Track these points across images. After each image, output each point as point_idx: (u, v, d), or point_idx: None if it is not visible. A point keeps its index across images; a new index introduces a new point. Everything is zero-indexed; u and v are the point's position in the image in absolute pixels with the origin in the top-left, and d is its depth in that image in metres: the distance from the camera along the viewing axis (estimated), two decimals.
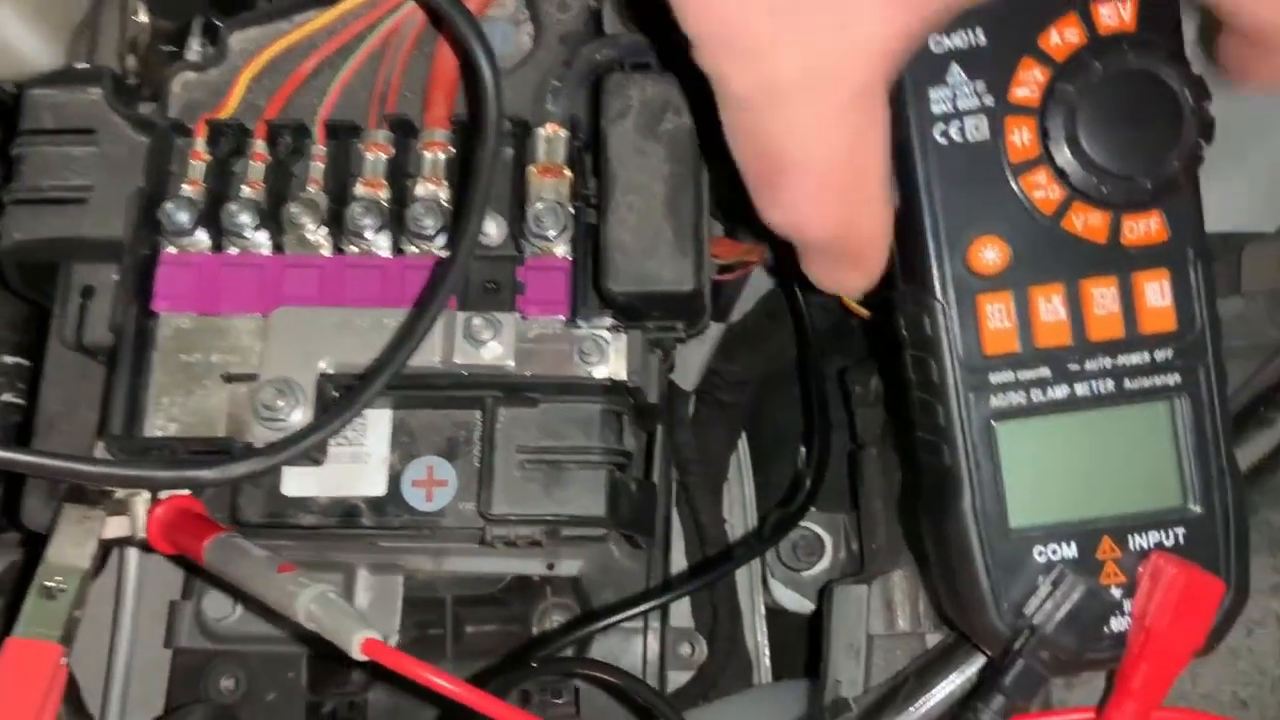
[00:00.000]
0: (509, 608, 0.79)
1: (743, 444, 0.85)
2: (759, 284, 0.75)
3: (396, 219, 0.51)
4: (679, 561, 0.81)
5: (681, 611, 0.82)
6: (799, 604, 0.76)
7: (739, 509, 0.85)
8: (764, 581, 0.79)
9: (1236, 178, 0.63)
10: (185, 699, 0.76)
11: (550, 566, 0.75)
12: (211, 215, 0.51)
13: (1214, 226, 0.59)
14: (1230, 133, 0.61)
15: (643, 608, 0.59)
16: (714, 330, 0.75)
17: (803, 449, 0.73)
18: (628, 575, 0.76)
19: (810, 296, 0.69)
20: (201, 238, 0.51)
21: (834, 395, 0.70)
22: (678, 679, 0.81)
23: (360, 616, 0.39)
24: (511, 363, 0.51)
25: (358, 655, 0.38)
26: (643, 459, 0.70)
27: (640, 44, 0.54)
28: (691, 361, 0.77)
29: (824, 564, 0.75)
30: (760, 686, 0.74)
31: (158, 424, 0.50)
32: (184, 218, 0.50)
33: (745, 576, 0.82)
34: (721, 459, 0.84)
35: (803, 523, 0.74)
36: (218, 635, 0.77)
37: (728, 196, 0.51)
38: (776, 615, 0.79)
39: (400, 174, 0.52)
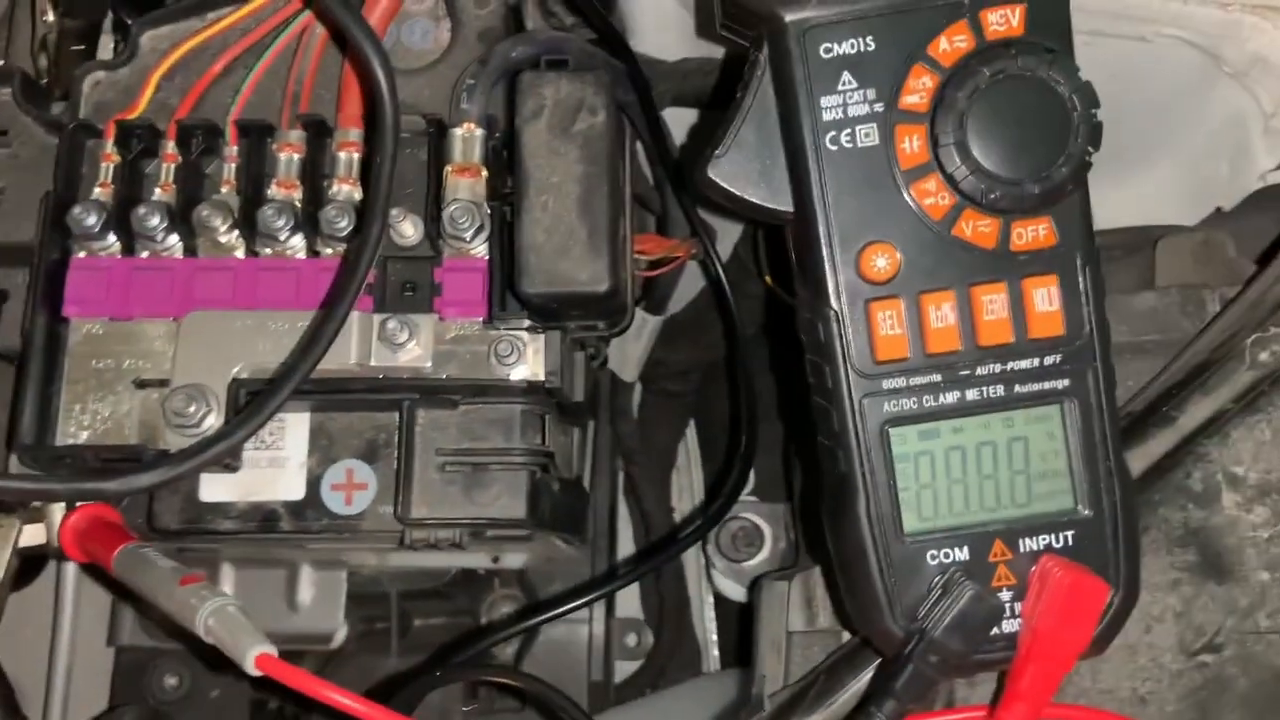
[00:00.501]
0: (456, 600, 0.79)
1: (691, 432, 0.86)
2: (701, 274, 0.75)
3: (311, 220, 0.51)
4: (629, 551, 0.82)
5: (631, 603, 0.83)
6: (741, 594, 0.76)
7: (688, 497, 0.85)
8: (707, 572, 0.79)
9: (1158, 171, 0.64)
10: (128, 697, 0.76)
11: (495, 560, 0.75)
12: (122, 218, 0.50)
13: (1134, 220, 0.60)
14: (1153, 125, 0.61)
15: (566, 608, 0.59)
16: (652, 322, 0.75)
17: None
18: (574, 566, 0.77)
19: (741, 290, 0.70)
20: (112, 241, 0.51)
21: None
22: (628, 668, 0.81)
23: (257, 631, 0.38)
24: (429, 365, 0.50)
25: (251, 670, 0.38)
26: (585, 451, 0.70)
27: (557, 40, 0.53)
28: (630, 353, 0.77)
29: (763, 555, 0.75)
30: (691, 681, 0.75)
31: (69, 432, 0.49)
32: (92, 221, 0.49)
33: (694, 566, 0.83)
34: (669, 448, 0.84)
35: (742, 514, 0.74)
36: (161, 633, 0.77)
37: None
38: (729, 604, 0.79)
39: (315, 174, 0.52)
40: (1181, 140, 0.61)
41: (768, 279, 0.66)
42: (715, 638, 0.83)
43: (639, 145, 0.62)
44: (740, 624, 0.72)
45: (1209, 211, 0.63)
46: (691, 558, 0.82)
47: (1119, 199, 0.65)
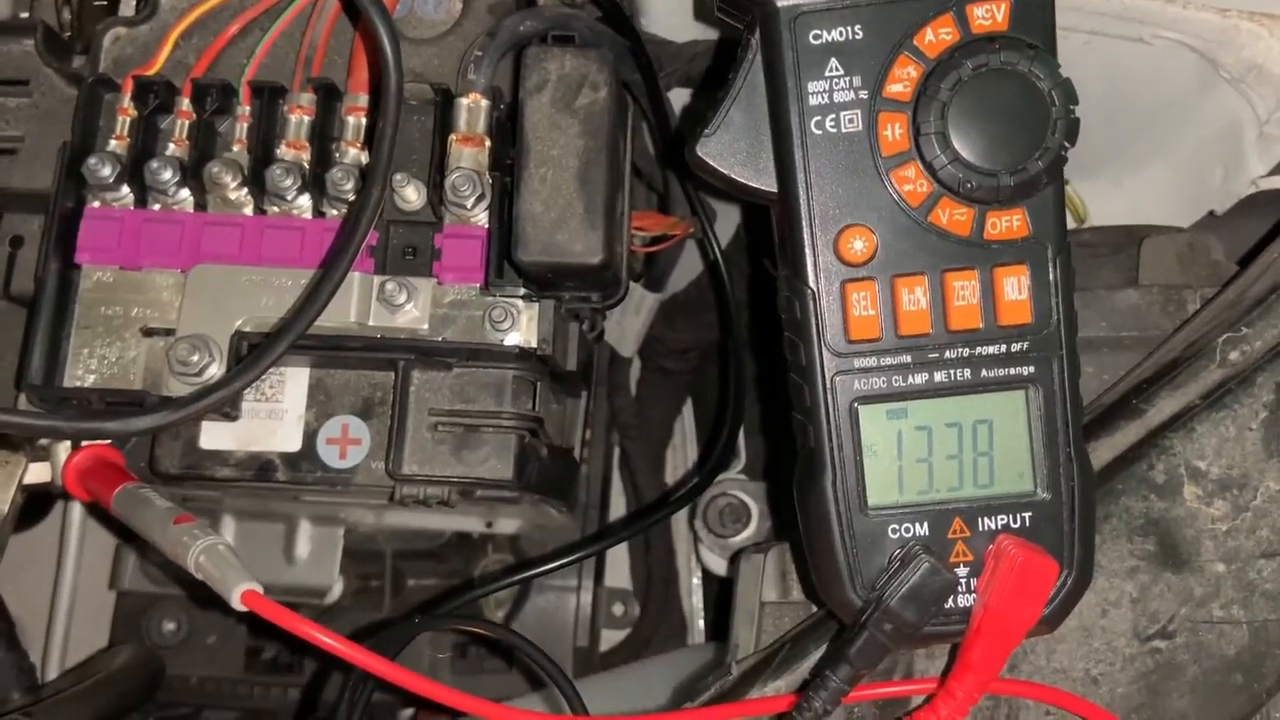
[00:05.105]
0: (449, 562, 0.81)
1: (688, 410, 0.87)
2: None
3: (318, 181, 0.52)
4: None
5: (620, 574, 0.84)
6: (726, 569, 0.78)
7: (682, 473, 0.87)
8: (695, 547, 0.81)
9: (1154, 172, 0.65)
10: (128, 639, 0.78)
11: (489, 524, 0.77)
12: (135, 171, 0.52)
13: (1129, 219, 0.61)
14: (1150, 127, 0.62)
15: (548, 567, 0.60)
16: (651, 299, 0.77)
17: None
18: (566, 533, 0.79)
19: (739, 270, 0.71)
20: (125, 193, 0.52)
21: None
22: (614, 637, 0.83)
23: (244, 570, 0.40)
24: (425, 327, 0.52)
25: (237, 606, 0.39)
26: (579, 421, 0.72)
27: (565, 16, 0.55)
28: (629, 328, 0.79)
29: (749, 531, 0.77)
30: (674, 652, 0.76)
31: (76, 375, 0.51)
32: (107, 172, 0.51)
33: (683, 541, 0.84)
34: (665, 424, 0.86)
35: (730, 490, 0.76)
36: (161, 579, 0.79)
37: None
38: (717, 579, 0.81)
39: (324, 137, 0.53)
40: (1177, 143, 0.62)
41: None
42: (701, 611, 0.85)
43: (644, 123, 0.63)
44: (724, 600, 0.74)
45: (1202, 214, 0.64)
46: (681, 533, 0.83)
47: (1115, 198, 0.66)
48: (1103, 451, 0.45)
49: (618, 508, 0.84)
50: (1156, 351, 0.47)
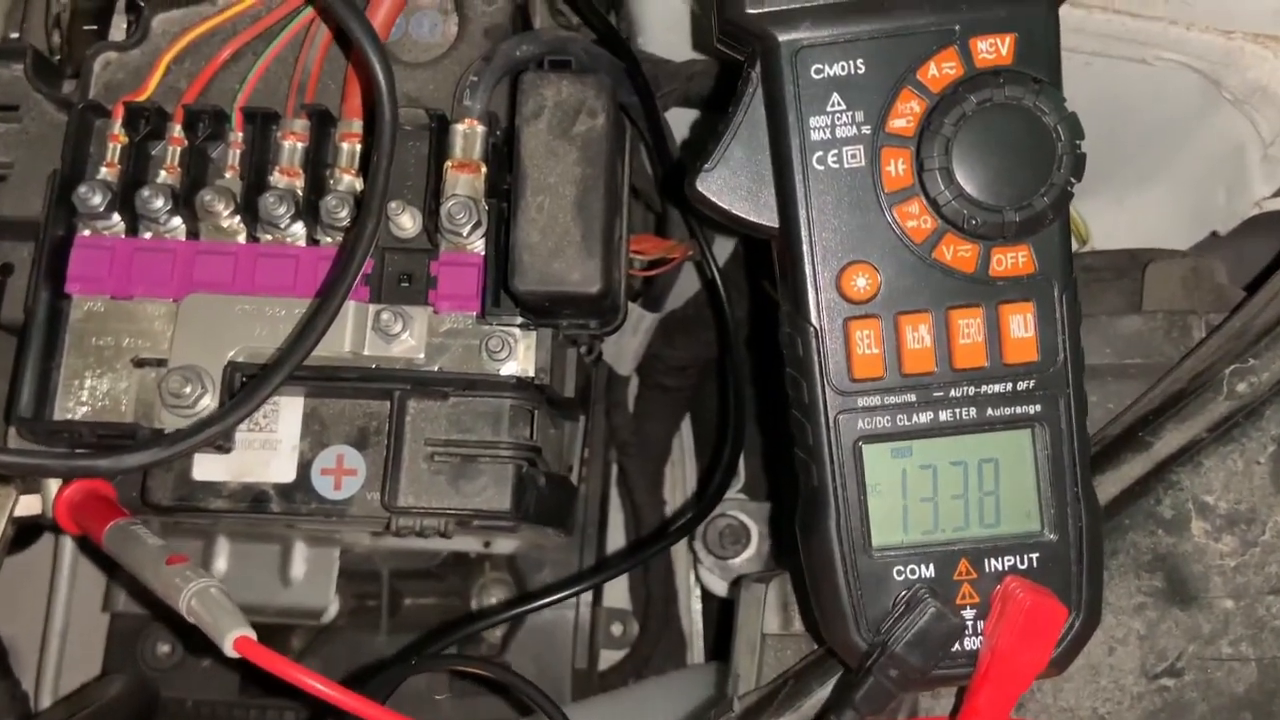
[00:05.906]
0: (447, 582, 0.80)
1: (686, 427, 0.87)
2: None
3: (311, 209, 0.51)
4: (619, 541, 0.83)
5: (618, 593, 0.84)
6: (726, 590, 0.77)
7: (681, 491, 0.86)
8: (694, 567, 0.80)
9: (1156, 193, 0.64)
10: (122, 664, 0.77)
11: (486, 544, 0.77)
12: (126, 199, 0.51)
13: (1130, 240, 0.60)
14: (1152, 148, 0.62)
15: (549, 600, 0.60)
16: (649, 318, 0.76)
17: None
18: (563, 553, 0.78)
19: (737, 290, 0.70)
20: (116, 221, 0.51)
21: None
22: (613, 656, 0.83)
23: (238, 614, 0.39)
24: (421, 356, 0.51)
25: (230, 652, 0.39)
26: (577, 443, 0.71)
27: (562, 41, 0.54)
28: (627, 348, 0.78)
29: (749, 552, 0.76)
30: (672, 673, 0.76)
31: (67, 407, 0.50)
32: (97, 201, 0.50)
33: (683, 561, 0.84)
34: (663, 442, 0.85)
35: (730, 512, 0.75)
36: (155, 601, 0.78)
37: None
38: (717, 598, 0.80)
39: (318, 163, 0.53)
40: (1180, 163, 0.62)
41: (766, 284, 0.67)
42: (701, 631, 0.84)
43: (642, 143, 0.62)
44: (724, 619, 0.73)
45: (1205, 234, 0.63)
46: (681, 552, 0.83)
47: (1117, 217, 0.65)
48: (1109, 486, 0.44)
49: (616, 523, 0.84)
50: (1162, 381, 0.47)
